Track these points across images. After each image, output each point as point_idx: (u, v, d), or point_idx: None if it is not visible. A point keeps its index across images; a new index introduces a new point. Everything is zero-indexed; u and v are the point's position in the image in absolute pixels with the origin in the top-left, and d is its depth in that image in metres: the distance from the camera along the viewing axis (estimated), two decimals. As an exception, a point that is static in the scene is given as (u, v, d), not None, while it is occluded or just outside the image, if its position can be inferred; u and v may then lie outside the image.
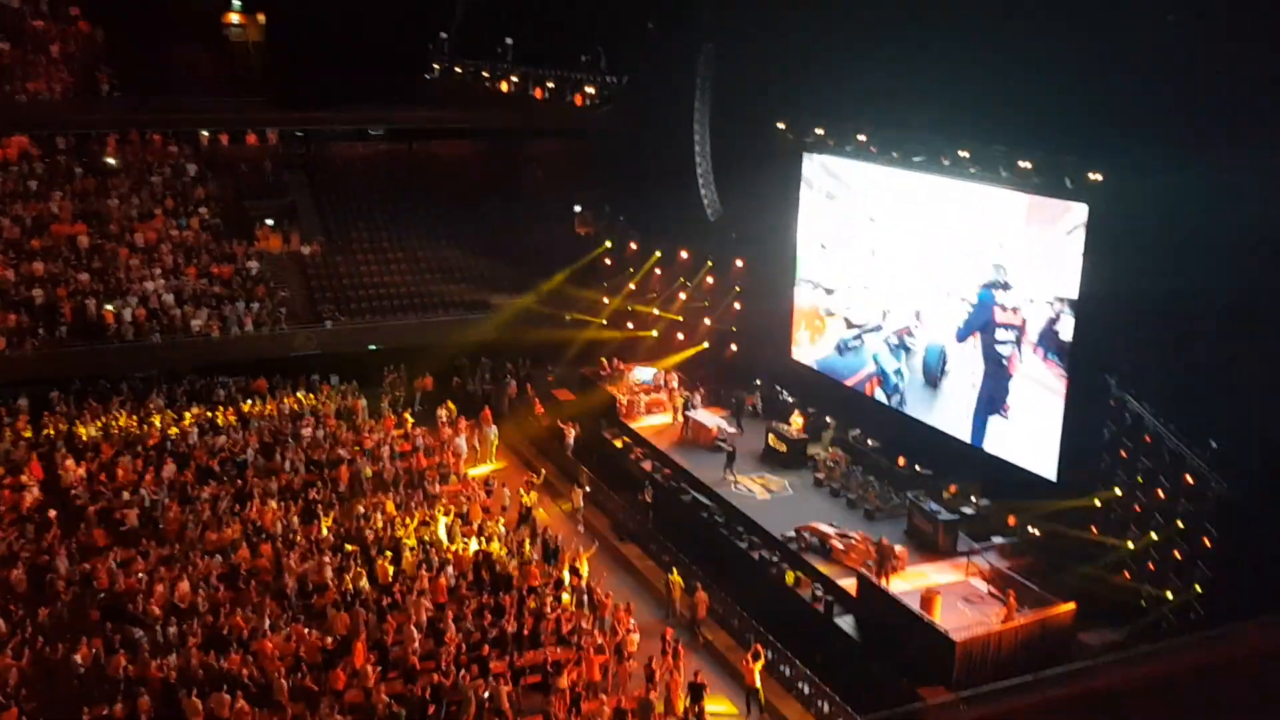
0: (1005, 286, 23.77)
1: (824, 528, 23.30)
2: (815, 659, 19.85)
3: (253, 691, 18.09)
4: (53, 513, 23.79)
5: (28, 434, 27.68)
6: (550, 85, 38.23)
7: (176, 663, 18.63)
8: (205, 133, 38.70)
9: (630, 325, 35.13)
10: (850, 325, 29.05)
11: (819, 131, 29.14)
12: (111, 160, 35.96)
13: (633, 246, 35.97)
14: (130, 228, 34.60)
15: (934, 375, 26.16)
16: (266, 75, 38.70)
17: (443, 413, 30.31)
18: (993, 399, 24.41)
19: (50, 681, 18.84)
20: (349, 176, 39.94)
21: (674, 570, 22.74)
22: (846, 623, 20.80)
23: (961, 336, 25.12)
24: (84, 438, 27.45)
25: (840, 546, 22.68)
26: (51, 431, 27.89)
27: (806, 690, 19.32)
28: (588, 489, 26.79)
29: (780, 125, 30.35)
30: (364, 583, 21.18)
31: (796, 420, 28.53)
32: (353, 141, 41.20)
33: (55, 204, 34.38)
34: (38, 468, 25.80)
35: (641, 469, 27.64)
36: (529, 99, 37.33)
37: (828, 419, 28.95)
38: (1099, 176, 21.03)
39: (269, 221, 36.64)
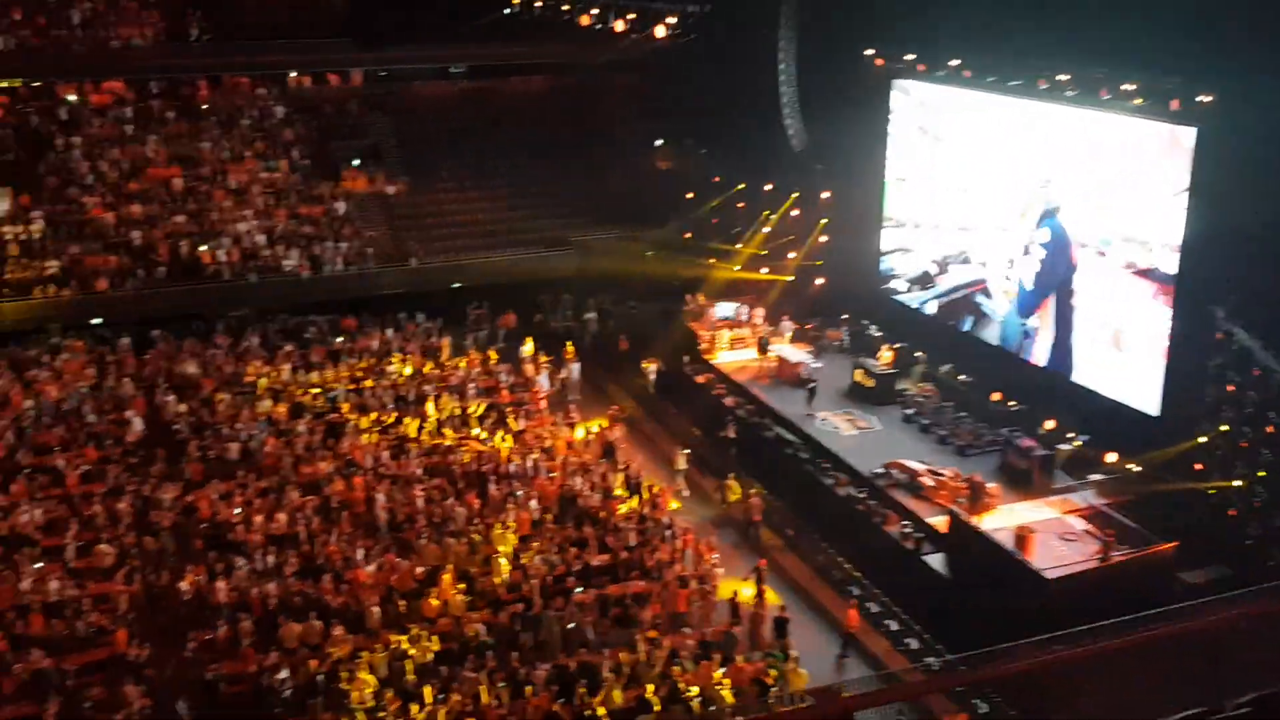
0: (1103, 218, 22.83)
1: (913, 464, 22.92)
2: (903, 596, 19.68)
3: (346, 619, 18.60)
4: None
5: (131, 371, 28.54)
6: (631, 17, 37.58)
7: (275, 590, 19.23)
8: (293, 74, 39.09)
9: (714, 261, 34.74)
10: (940, 260, 28.30)
11: (909, 58, 28.17)
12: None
13: (715, 180, 35.45)
14: (222, 170, 35.22)
15: (1029, 309, 25.38)
16: (350, 16, 38.73)
17: (525, 349, 30.49)
18: (1092, 333, 23.60)
19: (157, 607, 19.65)
20: (431, 115, 39.99)
21: (731, 477, 22.59)
22: (936, 561, 20.50)
23: (1057, 270, 24.26)
24: (184, 374, 28.18)
25: (930, 483, 22.30)
26: (154, 368, 28.73)
27: (894, 627, 19.16)
28: (688, 453, 25.82)
29: (868, 52, 29.42)
30: (453, 514, 21.54)
31: (885, 355, 27.99)
32: (434, 80, 41.19)
33: (150, 148, 35.12)
34: (141, 403, 26.64)
35: (724, 405, 27.47)
36: (609, 32, 36.77)
37: (917, 354, 28.36)
38: (1209, 98, 19.92)
39: (355, 162, 36.99)
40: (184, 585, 19.64)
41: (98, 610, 19.05)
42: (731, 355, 30.57)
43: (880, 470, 23.16)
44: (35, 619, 18.53)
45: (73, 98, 35.82)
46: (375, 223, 35.37)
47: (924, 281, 28.92)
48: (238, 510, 21.77)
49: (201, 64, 37.07)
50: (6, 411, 25.53)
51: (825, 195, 31.93)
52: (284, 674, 17.29)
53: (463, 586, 19.47)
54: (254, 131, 37.05)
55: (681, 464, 25.22)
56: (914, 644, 18.93)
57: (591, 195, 37.38)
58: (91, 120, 35.46)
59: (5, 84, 35.07)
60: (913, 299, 29.54)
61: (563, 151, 38.70)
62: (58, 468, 23.38)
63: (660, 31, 35.10)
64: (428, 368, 29.01)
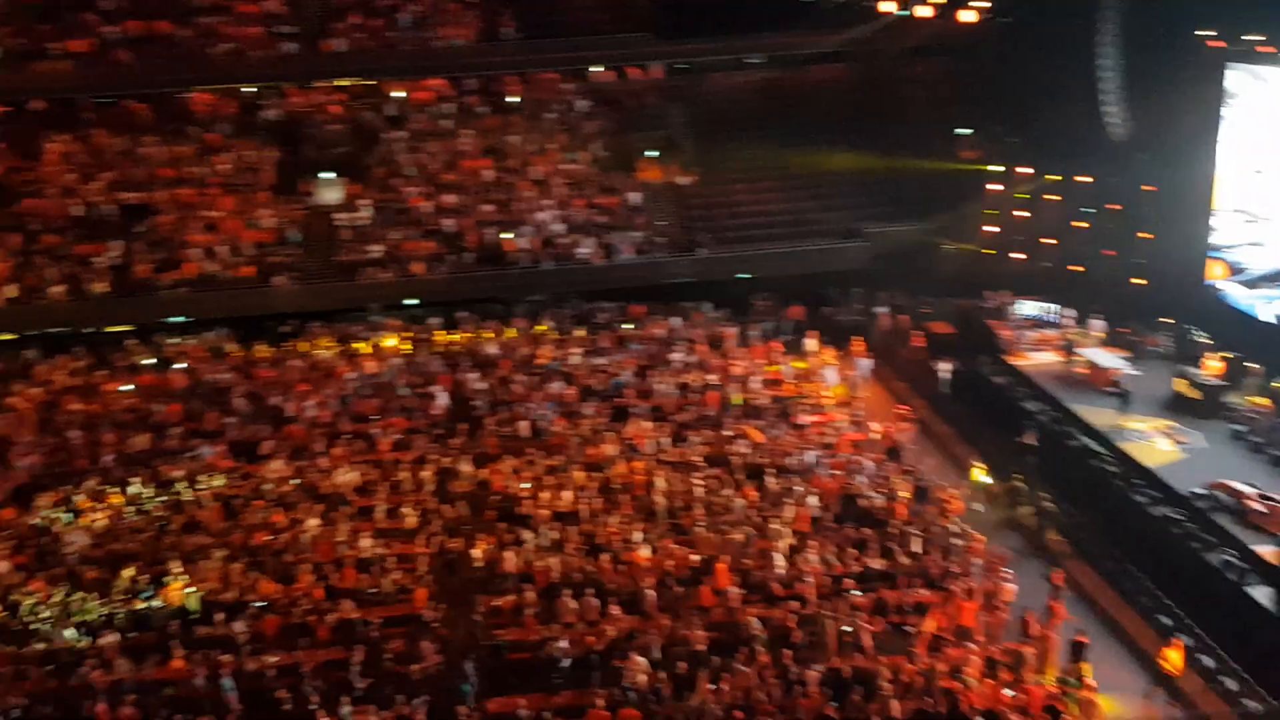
0: None
1: (1241, 487, 20.44)
2: (1222, 632, 17.59)
3: (622, 600, 18.90)
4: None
5: (439, 348, 30.53)
6: (936, 1, 35.95)
7: (557, 564, 19.86)
8: (598, 69, 40.41)
9: (1021, 255, 32.58)
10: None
11: (1251, 38, 25.12)
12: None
13: (1022, 171, 33.23)
14: (528, 162, 36.95)
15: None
16: (653, 10, 39.50)
17: (812, 342, 29.90)
18: None
19: (452, 571, 20.79)
20: (726, 106, 40.08)
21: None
22: (1263, 595, 18.16)
23: None
24: (481, 355, 29.79)
25: (1261, 509, 19.80)
26: (458, 347, 30.60)
27: (1209, 664, 17.17)
28: (983, 467, 24.29)
29: (1201, 33, 26.51)
30: (731, 504, 21.42)
31: (1213, 364, 25.18)
32: (730, 71, 41.26)
33: (464, 141, 37.42)
34: (446, 379, 28.41)
35: (1024, 409, 25.69)
36: (913, 17, 35.36)
37: (1251, 365, 25.30)
38: None
39: (650, 153, 37.74)
40: (476, 552, 20.67)
41: (401, 569, 20.43)
42: (1035, 357, 28.56)
43: (1202, 491, 20.82)
44: (348, 572, 20.10)
45: (399, 95, 38.78)
46: (667, 213, 35.91)
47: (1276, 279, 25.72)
48: (526, 485, 22.68)
49: (513, 61, 38.95)
50: (333, 382, 27.99)
51: (1147, 188, 29.12)
52: (563, 645, 17.81)
53: (738, 579, 19.27)
54: (558, 125, 38.61)
55: (976, 475, 23.72)
56: (1232, 685, 16.86)
57: (888, 186, 36.15)
58: (414, 116, 38.24)
59: (341, 83, 38.49)
60: (1249, 302, 26.38)
61: (860, 141, 37.64)
62: (373, 435, 25.35)
63: (968, 15, 33.32)
64: (712, 357, 29.07)
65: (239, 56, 36.42)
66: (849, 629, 17.69)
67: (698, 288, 33.48)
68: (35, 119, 36.87)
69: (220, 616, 18.95)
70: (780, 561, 19.49)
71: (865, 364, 28.87)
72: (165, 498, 22.90)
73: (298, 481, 23.32)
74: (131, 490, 23.14)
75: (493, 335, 31.18)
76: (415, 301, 32.80)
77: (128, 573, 20.09)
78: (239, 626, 18.59)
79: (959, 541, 20.11)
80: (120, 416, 26.47)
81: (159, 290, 31.45)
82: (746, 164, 37.83)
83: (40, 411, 26.99)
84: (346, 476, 23.26)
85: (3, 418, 26.51)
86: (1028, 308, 29.94)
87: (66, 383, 28.53)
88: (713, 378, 27.71)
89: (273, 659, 17.96)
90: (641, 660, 17.14)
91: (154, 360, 29.75)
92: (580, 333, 31.11)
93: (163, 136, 36.32)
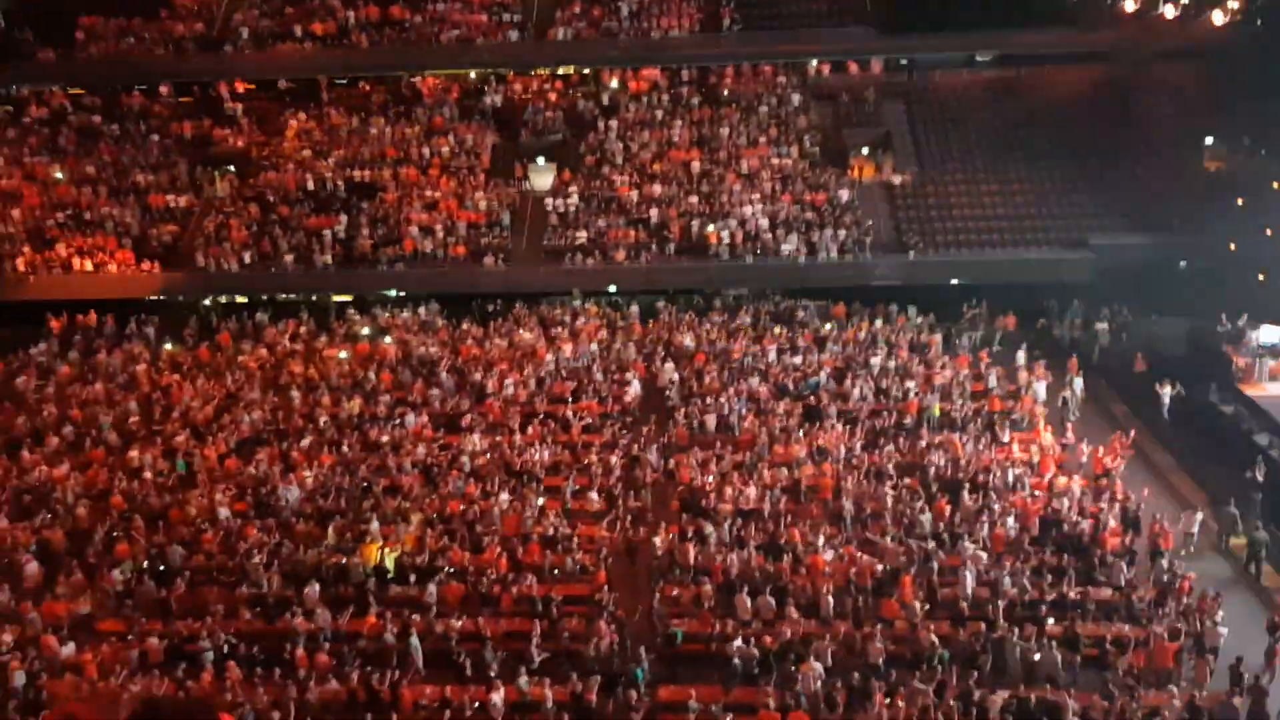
0: None
1: None
2: None
3: (800, 602, 18.53)
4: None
5: (636, 336, 30.83)
6: (1185, 2, 33.39)
7: (737, 560, 19.66)
8: (814, 62, 39.82)
9: (1263, 276, 29.94)
10: None
11: None
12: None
13: (1277, 186, 30.44)
14: (737, 155, 36.80)
15: None
16: (876, 4, 38.52)
17: (1022, 355, 28.42)
18: None
19: (632, 557, 20.94)
20: (949, 105, 38.75)
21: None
22: None
23: None
24: (677, 345, 29.86)
25: None
26: (655, 337, 30.81)
27: None
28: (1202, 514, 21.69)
29: None
30: (921, 518, 20.64)
31: None
32: (957, 69, 39.79)
33: (675, 132, 37.63)
34: (640, 367, 28.65)
35: (1254, 442, 23.56)
36: (1158, 18, 32.95)
37: None
38: None
39: (863, 151, 36.88)
40: (658, 541, 20.72)
41: (584, 550, 20.75)
42: (1271, 387, 26.15)
43: None
44: (533, 548, 20.58)
45: (615, 84, 39.40)
46: (876, 212, 34.99)
47: None
48: (712, 479, 22.57)
49: (731, 53, 38.94)
50: (532, 362, 28.73)
51: None
52: (738, 643, 17.61)
53: (923, 594, 18.55)
54: (770, 118, 38.26)
55: (1198, 516, 21.77)
56: None
57: (1121, 196, 33.97)
58: (628, 105, 38.77)
59: (561, 71, 39.45)
60: None
61: (1092, 146, 35.60)
62: (566, 417, 25.85)
63: (1219, 17, 30.77)
64: (913, 363, 28.12)
65: (466, 43, 37.95)
66: (1039, 658, 16.69)
67: (905, 291, 32.49)
68: (279, 97, 39.64)
69: (413, 578, 19.79)
70: (970, 581, 18.62)
71: (1080, 382, 27.17)
72: (372, 461, 24.10)
73: (492, 457, 24.04)
74: (342, 450, 24.48)
75: (690, 327, 31.22)
76: (615, 289, 33.27)
77: (332, 527, 21.27)
78: (430, 589, 19.33)
79: (1168, 578, 18.65)
80: (336, 381, 28.02)
81: (378, 264, 33.18)
82: (967, 165, 36.45)
83: (267, 371, 28.95)
84: (538, 456, 23.80)
85: (234, 375, 28.58)
86: (1267, 333, 27.40)
87: (291, 346, 30.50)
88: (913, 385, 26.79)
89: (457, 624, 18.58)
90: (816, 666, 16.76)
91: (369, 330, 31.39)
92: (778, 330, 30.71)
93: (391, 118, 38.31)
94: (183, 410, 26.66)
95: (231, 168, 36.77)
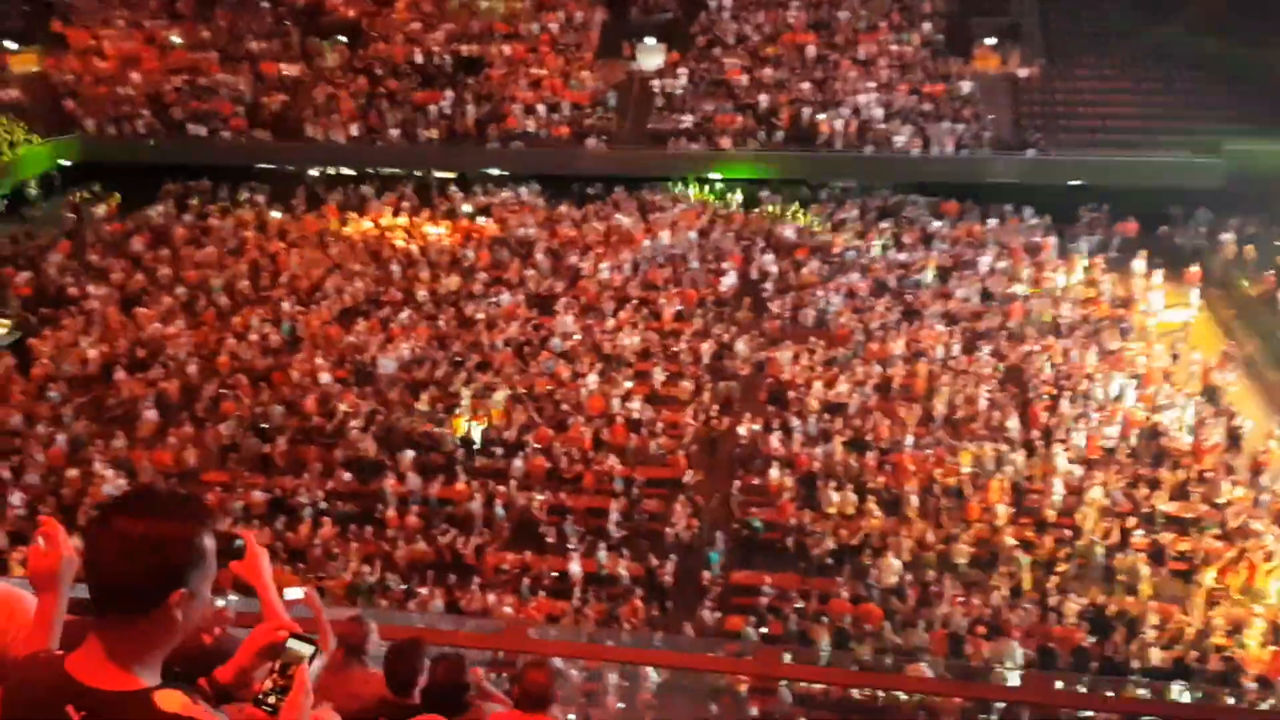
0: None
1: None
2: None
3: (882, 499, 18.40)
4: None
5: (736, 225, 30.32)
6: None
7: (821, 454, 19.56)
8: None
9: None
10: None
11: None
12: None
13: None
14: (854, 40, 35.36)
15: None
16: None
17: (1140, 263, 27.10)
18: None
19: (714, 446, 21.01)
20: (1088, -5, 36.40)
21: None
22: None
23: None
24: (777, 236, 29.30)
25: None
26: (756, 226, 30.28)
27: None
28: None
29: None
30: (1012, 423, 20.14)
31: None
32: (1096, -44, 37.24)
33: (791, 13, 36.27)
34: (738, 258, 28.24)
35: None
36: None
37: None
38: None
39: (989, 40, 35.00)
40: (742, 430, 20.71)
41: (667, 434, 20.87)
42: None
43: None
44: (617, 429, 20.78)
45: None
46: (998, 106, 33.31)
47: None
48: (802, 372, 22.33)
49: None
50: (629, 247, 28.56)
51: None
52: (816, 534, 17.65)
53: (1009, 498, 18.22)
54: (893, 1, 36.55)
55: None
56: None
57: (1265, 94, 31.61)
58: (745, -17, 37.47)
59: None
60: None
61: (1240, 38, 33.06)
62: (659, 304, 25.75)
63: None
64: (1023, 265, 27.11)
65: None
66: (1124, 569, 16.33)
67: (1020, 189, 31.04)
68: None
69: (499, 451, 20.24)
70: (1059, 488, 18.19)
71: (1195, 293, 25.87)
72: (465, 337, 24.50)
73: (583, 339, 24.19)
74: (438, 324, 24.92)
75: (792, 218, 30.56)
76: (719, 176, 32.66)
77: (425, 397, 21.80)
78: (515, 463, 19.76)
79: (1268, 498, 17.91)
80: (435, 257, 28.36)
81: (481, 142, 33.12)
82: (1097, 60, 34.33)
83: (369, 243, 29.44)
84: (629, 340, 23.83)
85: (338, 246, 29.14)
86: None
87: (393, 220, 30.90)
88: (1020, 288, 25.87)
89: (540, 497, 19.01)
90: (894, 562, 16.71)
91: (469, 208, 31.55)
92: (884, 225, 29.86)
93: (503, -10, 37.79)
94: (289, 277, 27.38)
95: (342, 38, 36.82)
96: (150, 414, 21.62)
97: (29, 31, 36.57)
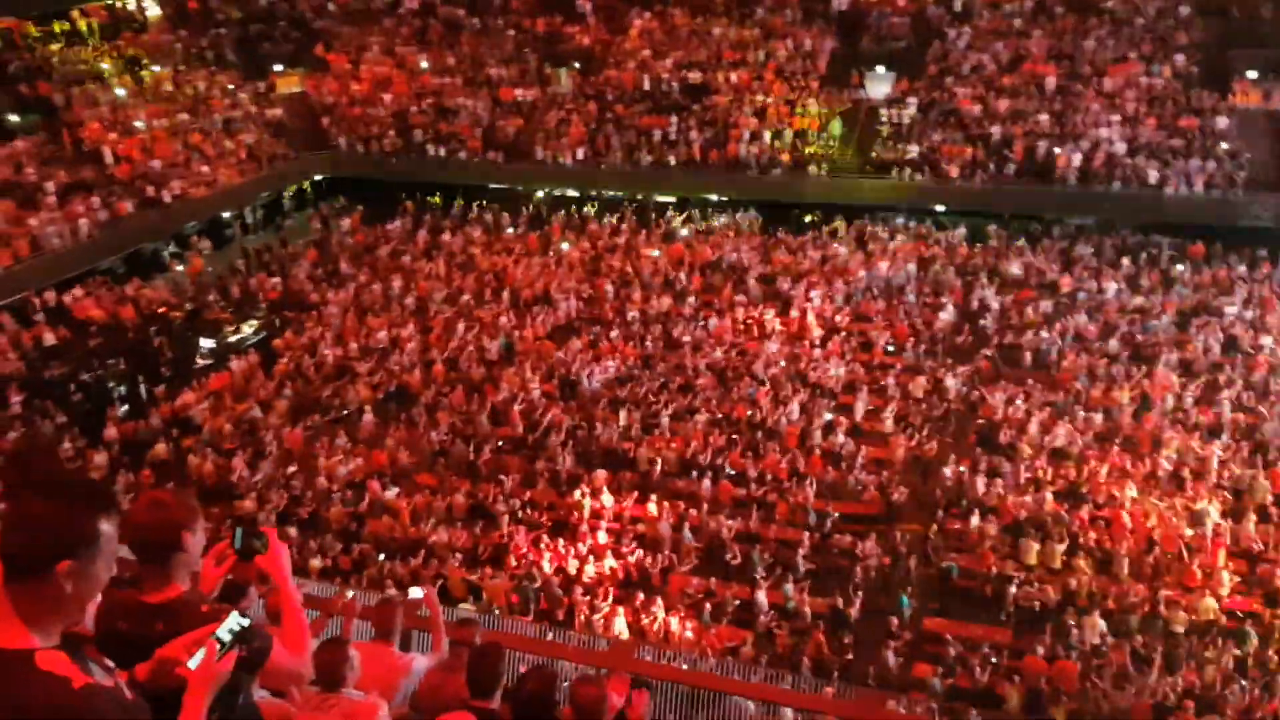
0: None
1: None
2: None
3: (1094, 556, 17.20)
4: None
5: (959, 259, 29.24)
6: None
7: (1030, 503, 18.49)
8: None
9: None
10: None
11: None
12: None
13: None
14: (1101, 70, 33.48)
15: None
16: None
17: None
18: None
19: (922, 479, 20.23)
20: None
21: None
22: None
23: None
24: (1003, 273, 28.07)
25: None
26: (980, 261, 29.09)
27: None
28: None
29: None
30: (1255, 485, 18.39)
31: None
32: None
33: (1033, 42, 34.76)
34: (958, 293, 27.17)
35: None
36: None
37: None
38: None
39: (1250, 74, 32.31)
40: (948, 471, 19.88)
41: (867, 470, 20.28)
42: None
43: None
44: (815, 460, 20.37)
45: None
46: (1256, 145, 30.68)
47: None
48: (1017, 415, 21.22)
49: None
50: (844, 277, 28.08)
51: None
52: (1016, 588, 16.70)
53: (1232, 565, 16.64)
54: (1146, 31, 34.40)
55: None
56: None
57: None
58: (983, 12, 36.22)
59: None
60: None
61: None
62: (870, 336, 25.12)
63: None
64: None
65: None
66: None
67: (1276, 235, 28.49)
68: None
69: (694, 474, 20.24)
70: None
71: None
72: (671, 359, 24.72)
73: (787, 366, 23.90)
74: (645, 345, 25.27)
75: (1019, 255, 29.19)
76: (944, 208, 31.62)
77: (623, 414, 22.11)
78: (705, 485, 19.71)
79: None
80: (649, 278, 28.80)
81: (703, 167, 33.41)
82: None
83: (587, 263, 30.26)
84: (834, 372, 23.37)
85: (558, 264, 30.11)
86: None
87: (611, 241, 31.63)
88: (1270, 340, 23.66)
89: (731, 522, 18.86)
90: (1100, 623, 15.55)
91: (686, 231, 31.91)
92: (1123, 264, 28.04)
93: (734, 19, 38.08)
94: (510, 293, 28.50)
95: (577, 64, 38.15)
96: (369, 416, 22.97)
97: (296, 56, 39.93)
